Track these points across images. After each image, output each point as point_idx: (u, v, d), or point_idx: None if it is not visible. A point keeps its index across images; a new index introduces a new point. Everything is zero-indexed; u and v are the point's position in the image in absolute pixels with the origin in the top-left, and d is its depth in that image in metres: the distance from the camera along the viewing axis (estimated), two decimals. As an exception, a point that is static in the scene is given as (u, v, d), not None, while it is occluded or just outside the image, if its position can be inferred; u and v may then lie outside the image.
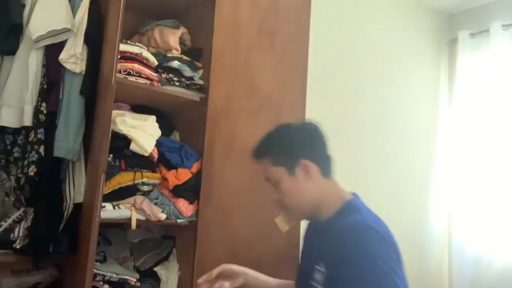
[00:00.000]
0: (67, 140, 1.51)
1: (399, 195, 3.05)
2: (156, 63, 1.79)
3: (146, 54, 1.75)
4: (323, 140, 1.28)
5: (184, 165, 1.78)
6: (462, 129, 3.17)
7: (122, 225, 1.78)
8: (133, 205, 1.66)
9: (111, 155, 1.61)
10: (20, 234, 1.46)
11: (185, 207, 1.77)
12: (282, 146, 1.24)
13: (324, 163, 1.26)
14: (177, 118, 2.01)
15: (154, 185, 1.75)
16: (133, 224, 1.61)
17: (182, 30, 1.93)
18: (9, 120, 1.49)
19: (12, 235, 1.47)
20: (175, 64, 1.82)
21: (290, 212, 1.27)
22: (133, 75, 1.68)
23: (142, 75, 1.71)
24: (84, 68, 1.55)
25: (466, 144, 3.13)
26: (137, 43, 1.75)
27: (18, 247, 1.45)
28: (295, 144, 1.24)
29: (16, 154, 1.52)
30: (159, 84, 1.77)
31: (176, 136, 2.00)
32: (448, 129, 3.30)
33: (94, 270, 1.49)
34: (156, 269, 1.82)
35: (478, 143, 3.06)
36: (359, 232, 1.07)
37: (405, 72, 3.17)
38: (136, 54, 1.71)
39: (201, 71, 1.91)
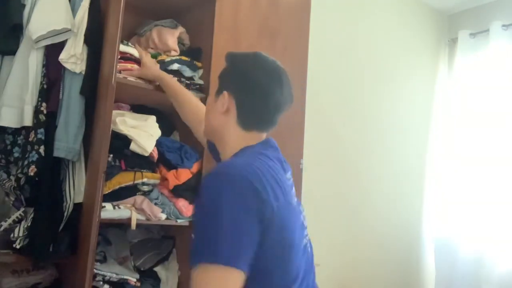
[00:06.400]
0: (67, 140, 1.51)
1: (395, 195, 3.05)
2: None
3: (146, 55, 1.75)
4: (268, 87, 1.16)
5: (184, 165, 1.78)
6: (460, 129, 3.17)
7: (122, 225, 1.78)
8: (133, 205, 1.66)
9: (111, 155, 1.60)
10: (20, 234, 1.46)
11: (185, 207, 1.77)
12: (230, 71, 1.21)
13: (250, 114, 1.16)
14: (177, 118, 2.00)
15: (154, 185, 1.75)
16: (133, 224, 1.61)
17: (180, 29, 1.93)
18: (9, 120, 1.49)
19: (12, 235, 1.46)
20: (175, 67, 1.82)
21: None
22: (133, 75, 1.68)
23: (142, 75, 1.71)
24: (84, 68, 1.55)
25: (465, 144, 3.13)
26: (136, 45, 1.75)
27: (18, 247, 1.45)
28: (235, 73, 1.19)
29: (16, 154, 1.52)
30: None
31: (176, 136, 2.00)
32: (446, 129, 3.30)
33: (94, 270, 1.48)
34: (156, 269, 1.81)
35: (477, 143, 3.06)
36: (208, 180, 1.02)
37: (404, 71, 3.18)
38: (136, 56, 1.72)
39: (201, 71, 1.91)
